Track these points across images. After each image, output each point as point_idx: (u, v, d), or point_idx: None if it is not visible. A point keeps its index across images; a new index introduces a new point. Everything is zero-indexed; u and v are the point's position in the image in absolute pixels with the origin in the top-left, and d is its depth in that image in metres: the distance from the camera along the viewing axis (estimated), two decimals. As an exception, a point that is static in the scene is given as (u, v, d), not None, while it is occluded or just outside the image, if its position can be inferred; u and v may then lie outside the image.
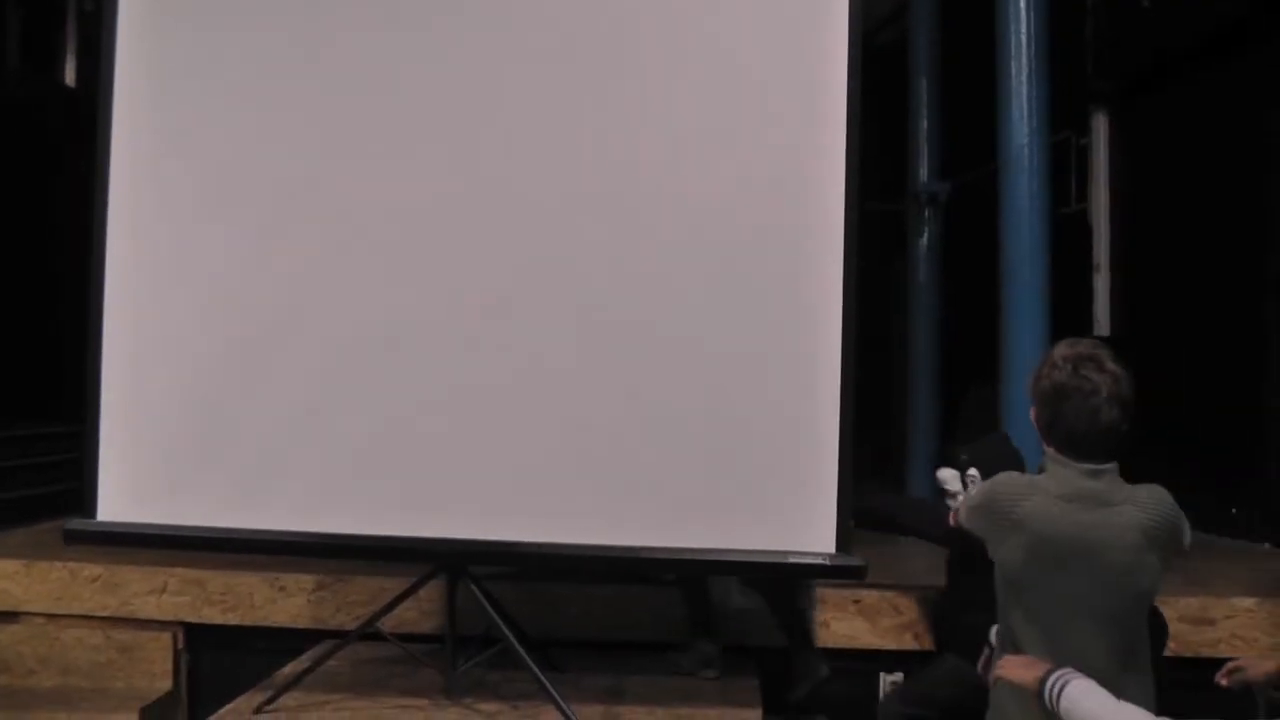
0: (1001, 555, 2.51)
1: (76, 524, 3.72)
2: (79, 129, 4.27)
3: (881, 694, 4.34)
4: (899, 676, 4.20)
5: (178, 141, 3.68)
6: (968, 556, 3.02)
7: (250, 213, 3.65)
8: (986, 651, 2.75)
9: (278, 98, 3.66)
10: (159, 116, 3.69)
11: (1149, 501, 2.50)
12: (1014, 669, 2.41)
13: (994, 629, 2.65)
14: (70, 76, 7.20)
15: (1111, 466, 2.51)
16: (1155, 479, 2.63)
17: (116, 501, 3.70)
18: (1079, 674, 2.27)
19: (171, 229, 3.68)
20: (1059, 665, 2.31)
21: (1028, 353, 5.04)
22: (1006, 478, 2.64)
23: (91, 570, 4.63)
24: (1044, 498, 2.46)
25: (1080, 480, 2.46)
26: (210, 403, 3.64)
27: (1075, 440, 2.47)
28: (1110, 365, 2.52)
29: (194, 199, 3.67)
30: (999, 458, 3.32)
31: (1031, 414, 2.58)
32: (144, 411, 3.68)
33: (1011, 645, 2.48)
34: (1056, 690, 2.25)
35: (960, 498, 3.00)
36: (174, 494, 3.65)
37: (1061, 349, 2.57)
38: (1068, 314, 6.28)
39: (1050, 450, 2.54)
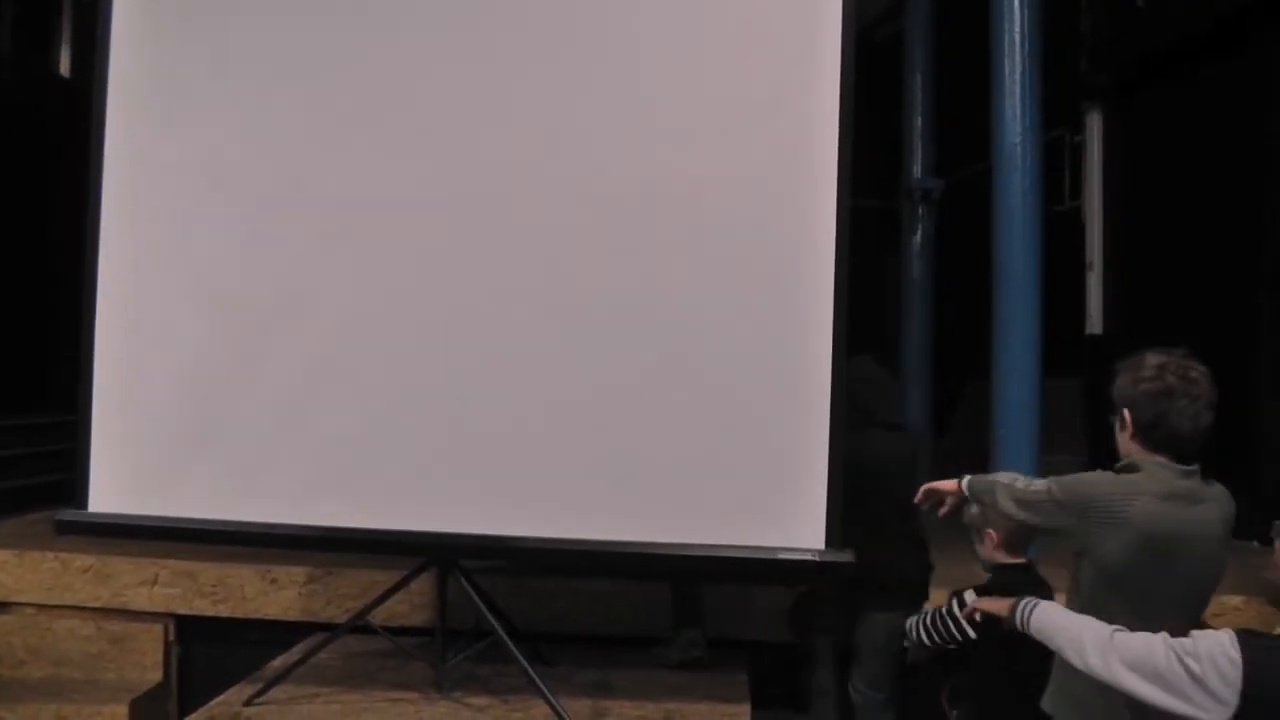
0: (1102, 552, 2.62)
1: (68, 515, 3.72)
2: (73, 119, 4.26)
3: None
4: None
5: (172, 131, 3.67)
6: None
7: (243, 203, 3.65)
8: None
9: (272, 89, 3.66)
10: (153, 106, 3.68)
11: (1223, 498, 2.69)
12: (987, 604, 2.82)
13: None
14: (65, 66, 7.19)
15: (1197, 466, 2.68)
16: None
17: (108, 493, 3.70)
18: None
19: (165, 219, 3.68)
20: None
21: (1019, 349, 5.06)
22: (1100, 479, 2.73)
23: (83, 561, 4.63)
24: (1149, 499, 2.58)
25: (1177, 480, 2.62)
26: (202, 394, 3.64)
27: (1179, 441, 2.65)
28: (1204, 372, 2.74)
29: (188, 189, 3.67)
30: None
31: (1125, 415, 2.73)
32: (136, 403, 3.68)
33: None
34: (1027, 612, 2.54)
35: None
36: (166, 485, 3.65)
37: (1157, 357, 2.76)
38: (1061, 311, 6.30)
39: (1142, 450, 2.69)
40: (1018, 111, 5.18)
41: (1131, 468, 2.72)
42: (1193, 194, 6.19)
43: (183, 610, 4.63)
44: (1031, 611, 2.53)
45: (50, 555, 4.64)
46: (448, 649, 3.80)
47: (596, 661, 4.23)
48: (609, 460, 3.47)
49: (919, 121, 7.51)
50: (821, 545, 3.39)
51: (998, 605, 2.72)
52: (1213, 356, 5.90)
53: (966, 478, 3.15)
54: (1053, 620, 2.49)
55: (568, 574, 4.51)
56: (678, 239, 3.47)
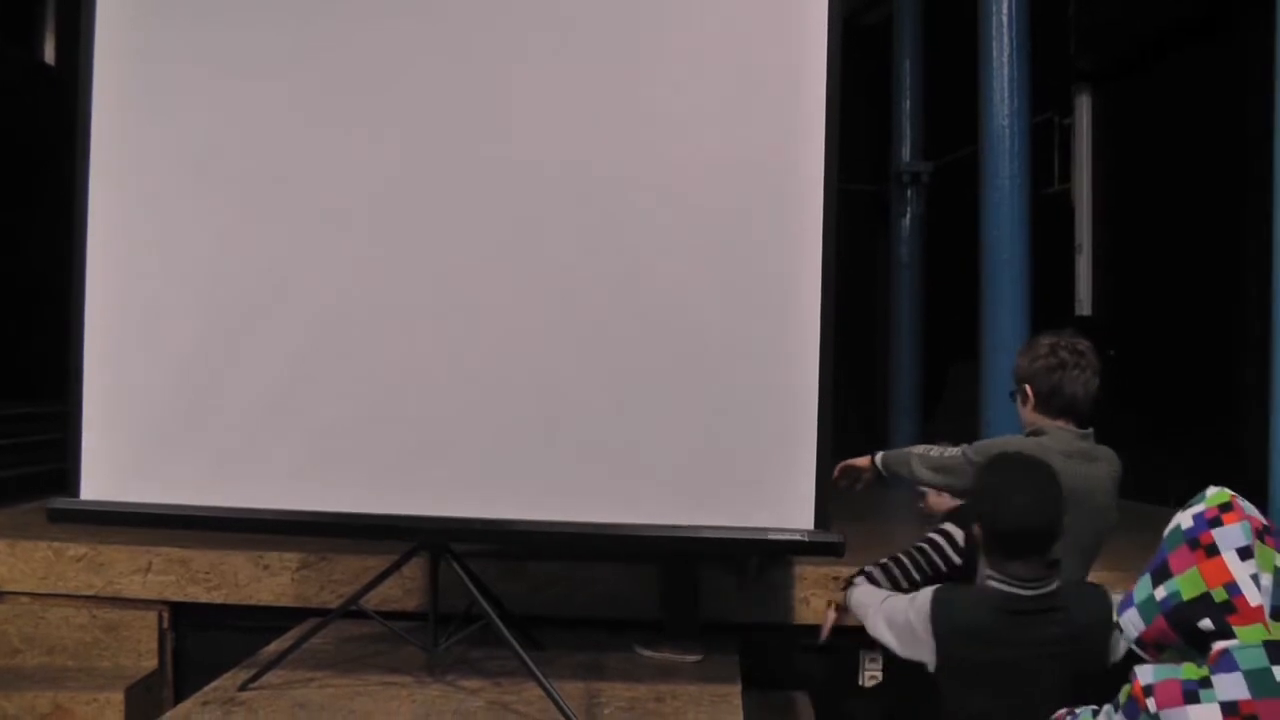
0: None
1: (60, 502, 3.72)
2: (59, 106, 4.26)
3: (862, 672, 4.32)
4: (878, 655, 4.21)
5: (159, 117, 3.66)
6: None
7: (231, 190, 3.64)
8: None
9: (258, 75, 3.64)
10: (139, 93, 3.67)
11: (1112, 458, 3.11)
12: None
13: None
14: (50, 54, 7.17)
15: (1091, 430, 3.09)
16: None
17: (100, 480, 3.69)
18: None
19: (153, 207, 3.67)
20: None
21: (1008, 331, 5.09)
22: (1011, 441, 3.13)
23: (76, 550, 4.64)
24: (1056, 456, 2.91)
25: (1076, 441, 3.05)
26: (193, 380, 3.64)
27: (1075, 405, 3.08)
28: (1089, 346, 3.15)
29: (175, 176, 3.66)
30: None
31: (1026, 389, 3.14)
32: (127, 390, 3.68)
33: None
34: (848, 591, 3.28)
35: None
36: (158, 472, 3.65)
37: (1050, 337, 3.16)
38: (1050, 294, 6.32)
39: (1044, 418, 3.10)
40: (1005, 94, 5.20)
41: (1038, 432, 3.11)
42: (1180, 176, 6.22)
43: (177, 597, 4.64)
44: (852, 593, 3.24)
45: (43, 544, 4.65)
46: (440, 633, 3.81)
47: (589, 644, 4.25)
48: (599, 442, 3.48)
49: (908, 105, 7.53)
50: (811, 525, 3.41)
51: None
52: (1199, 336, 5.98)
53: (879, 454, 3.48)
54: (860, 600, 3.16)
55: (560, 557, 4.53)
56: (666, 223, 3.48)
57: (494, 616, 3.59)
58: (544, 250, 3.52)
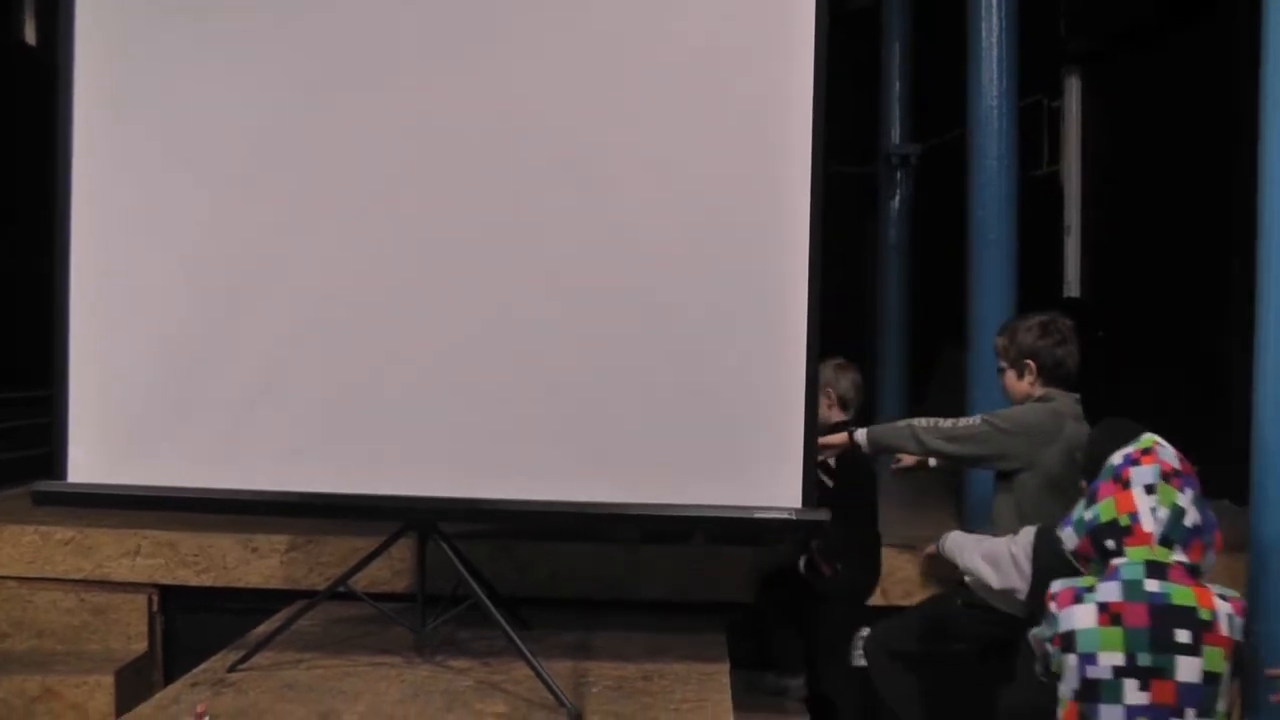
0: (1045, 465, 3.46)
1: (46, 485, 3.71)
2: (41, 88, 4.23)
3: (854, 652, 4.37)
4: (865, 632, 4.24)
5: (142, 100, 3.65)
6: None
7: (217, 170, 3.63)
8: None
9: (244, 56, 3.63)
10: (122, 76, 3.65)
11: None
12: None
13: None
14: (30, 35, 7.12)
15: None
16: None
17: (85, 463, 3.69)
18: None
19: (137, 188, 3.65)
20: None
21: (995, 313, 5.08)
22: (1033, 409, 3.58)
23: (63, 534, 4.64)
24: (1070, 420, 3.50)
25: (1077, 405, 3.57)
26: (179, 362, 3.64)
27: (1071, 375, 3.60)
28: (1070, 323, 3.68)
29: (160, 157, 3.64)
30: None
31: (1030, 364, 3.61)
32: (112, 373, 3.67)
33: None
34: (944, 542, 3.67)
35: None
36: (143, 455, 3.65)
37: (1040, 315, 3.66)
38: (1039, 275, 6.34)
39: (1045, 388, 3.59)
40: (994, 76, 5.19)
41: (1048, 399, 3.58)
42: (1169, 158, 6.23)
43: (165, 580, 4.65)
44: (945, 540, 3.63)
45: (30, 529, 4.65)
46: (428, 613, 3.82)
47: (577, 623, 4.26)
48: (586, 422, 3.48)
49: (897, 87, 7.53)
50: (798, 504, 3.41)
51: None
52: (1187, 316, 5.99)
53: (864, 431, 3.79)
54: (956, 542, 3.57)
55: (548, 537, 4.54)
56: (654, 204, 3.47)
57: (482, 596, 3.60)
58: (529, 229, 3.51)
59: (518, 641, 3.48)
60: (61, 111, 3.65)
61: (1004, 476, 3.63)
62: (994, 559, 3.29)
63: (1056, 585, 2.54)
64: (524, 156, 3.51)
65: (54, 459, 3.71)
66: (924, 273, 7.59)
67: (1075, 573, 2.70)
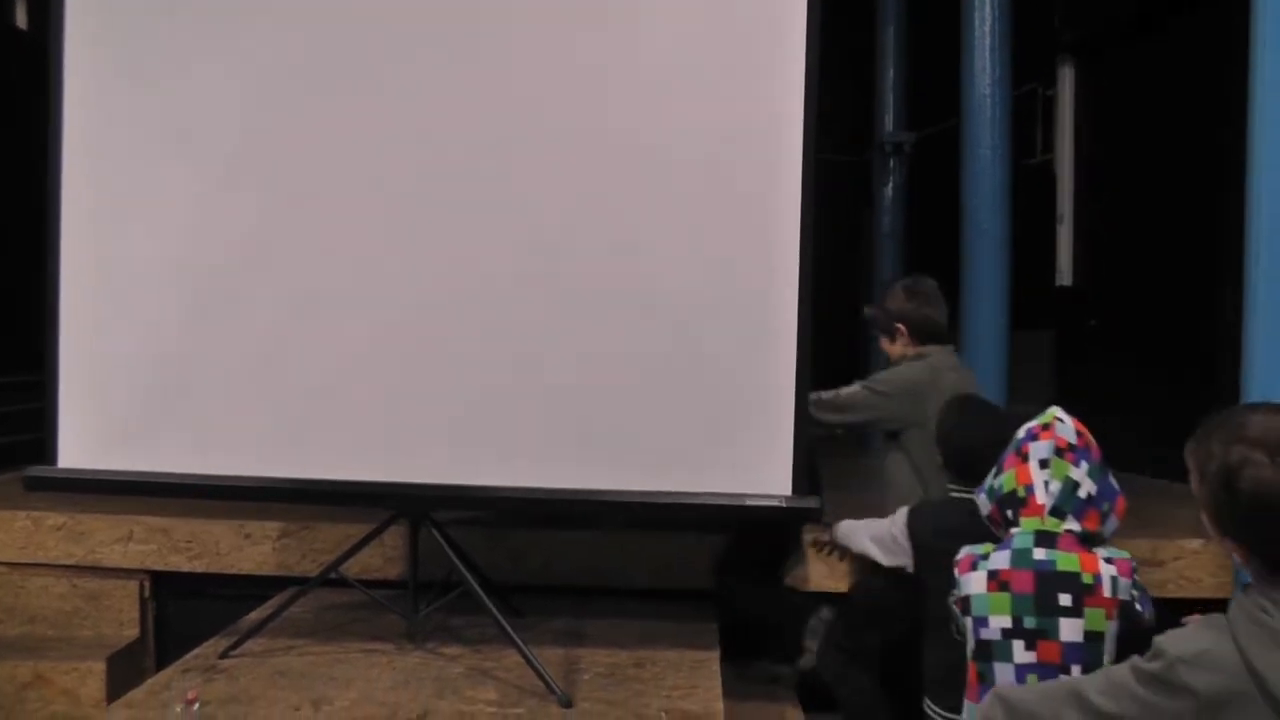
0: (928, 417, 3.54)
1: (37, 471, 3.71)
2: (32, 74, 4.21)
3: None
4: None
5: (133, 86, 3.63)
6: None
7: (208, 159, 3.62)
8: None
9: (235, 43, 3.62)
10: (113, 61, 3.64)
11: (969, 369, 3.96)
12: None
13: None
14: (22, 19, 7.08)
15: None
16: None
17: (77, 448, 3.69)
18: None
19: (129, 176, 3.65)
20: None
21: (987, 301, 5.12)
22: (910, 368, 3.79)
23: (55, 519, 4.64)
24: (946, 372, 3.75)
25: (953, 357, 3.86)
26: (170, 348, 3.63)
27: (943, 331, 3.89)
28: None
29: (151, 145, 3.63)
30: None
31: (901, 327, 3.87)
32: (103, 358, 3.67)
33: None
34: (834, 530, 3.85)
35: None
36: (135, 440, 3.65)
37: (905, 280, 3.97)
38: (1032, 263, 6.34)
39: (920, 346, 3.84)
40: (987, 64, 5.21)
41: (922, 356, 3.80)
42: (1163, 147, 6.23)
43: (158, 566, 4.64)
44: (837, 529, 3.75)
45: (22, 514, 4.64)
46: (420, 600, 3.82)
47: (569, 611, 4.27)
48: (577, 409, 3.48)
49: (891, 75, 7.52)
50: (789, 491, 3.42)
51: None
52: (1179, 305, 5.99)
53: None
54: (846, 530, 3.68)
55: (540, 524, 4.54)
56: (646, 191, 3.47)
57: (473, 584, 3.60)
58: (524, 221, 3.51)
59: (509, 629, 3.48)
60: (53, 96, 3.64)
61: (893, 436, 3.81)
62: (880, 540, 3.46)
63: (962, 551, 2.72)
64: (515, 144, 3.50)
65: (45, 444, 3.71)
66: (918, 261, 7.58)
67: (947, 545, 2.93)
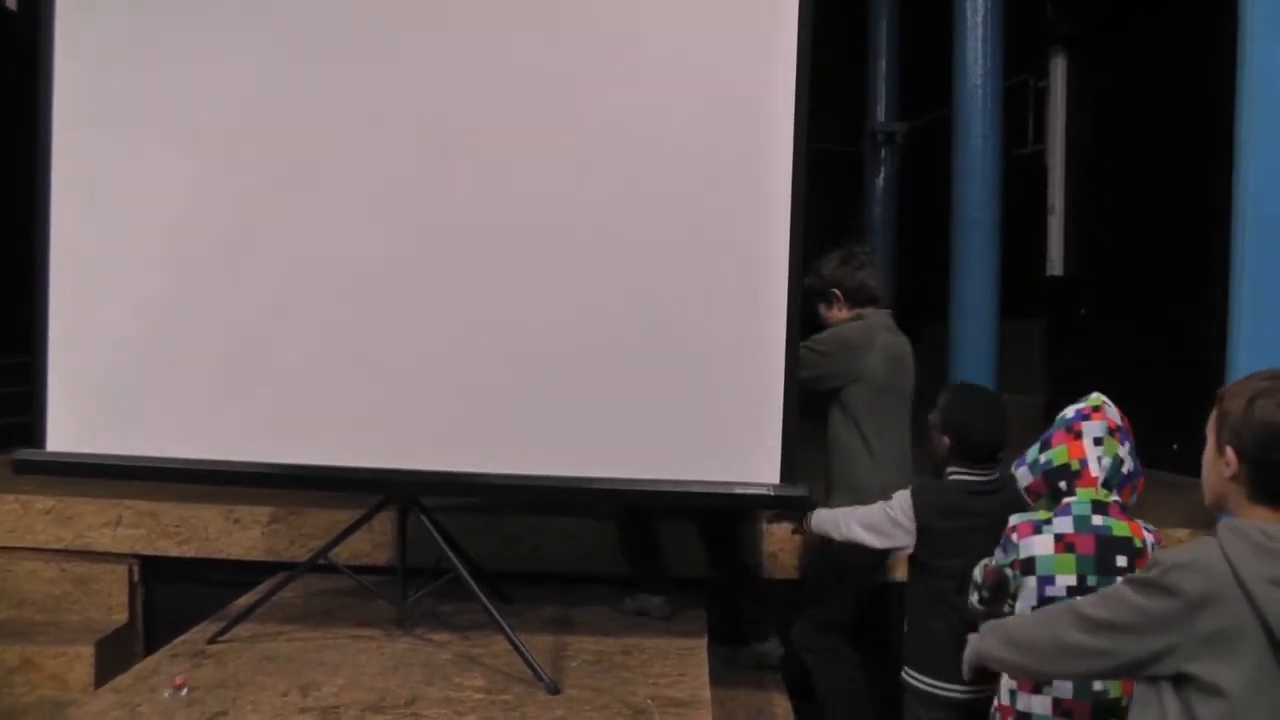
0: (869, 371, 3.80)
1: (26, 454, 3.70)
2: (21, 54, 4.19)
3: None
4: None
5: (123, 66, 3.61)
6: None
7: (199, 139, 3.60)
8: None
9: (227, 22, 3.60)
10: (103, 39, 3.62)
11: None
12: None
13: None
14: (12, 1, 7.02)
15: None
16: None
17: (66, 432, 3.68)
18: None
19: (119, 156, 3.63)
20: None
21: (977, 291, 5.13)
22: (846, 329, 3.91)
23: (44, 503, 4.63)
24: (881, 331, 3.89)
25: (889, 319, 3.96)
26: (160, 332, 3.62)
27: (876, 295, 3.97)
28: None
29: (141, 125, 3.61)
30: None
31: (836, 292, 3.96)
32: (93, 341, 3.65)
33: None
34: (809, 519, 3.68)
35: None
36: (124, 424, 3.64)
37: (840, 251, 4.01)
38: (1024, 253, 6.36)
39: (855, 308, 3.95)
40: (979, 55, 5.22)
41: (858, 318, 3.92)
42: (1152, 137, 6.25)
43: (147, 551, 4.64)
44: (811, 520, 3.65)
45: (10, 498, 4.63)
46: (409, 586, 3.83)
47: (558, 598, 4.28)
48: (566, 397, 3.48)
49: (883, 66, 7.52)
50: (777, 479, 3.42)
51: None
52: (1169, 294, 6.00)
53: None
54: (824, 519, 3.59)
55: (529, 511, 4.55)
56: (634, 176, 3.46)
57: (462, 570, 3.61)
58: (517, 205, 3.49)
59: (497, 616, 3.49)
60: (42, 78, 3.62)
61: (832, 394, 3.88)
62: (874, 526, 3.46)
63: (1015, 519, 2.89)
64: (508, 129, 3.48)
65: (34, 427, 3.69)
66: (909, 250, 7.60)
67: (948, 523, 3.31)
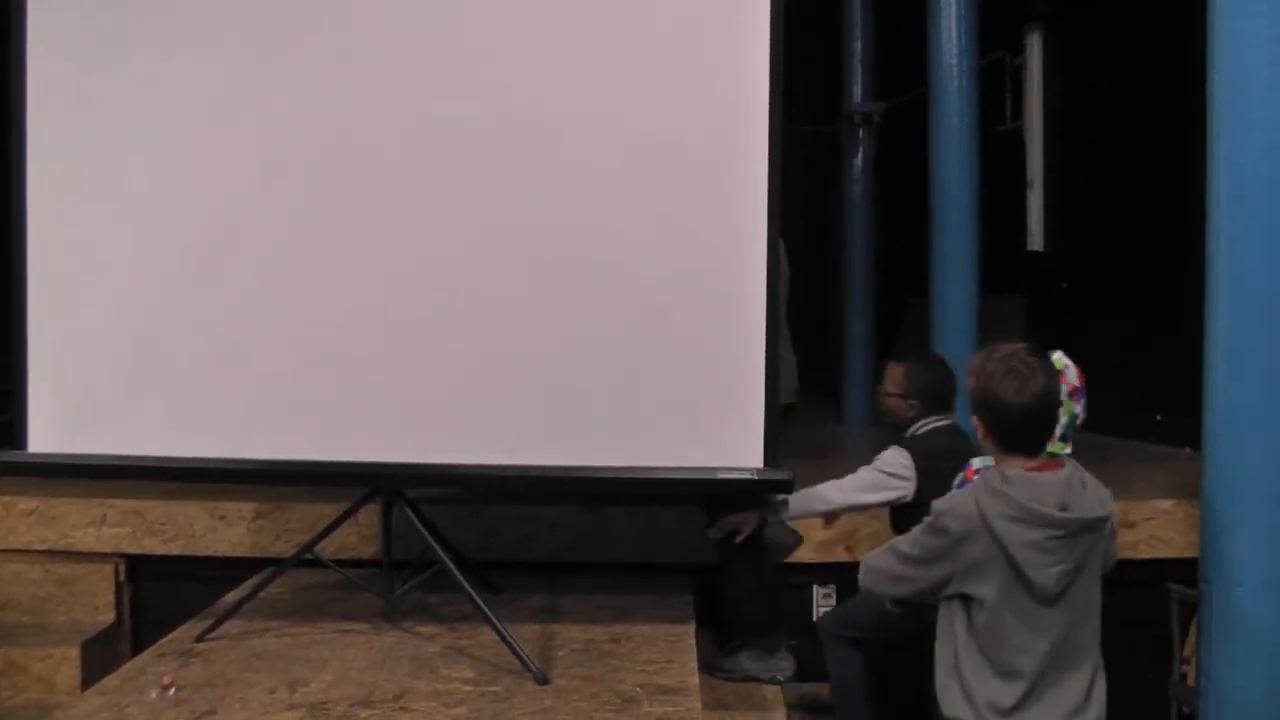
0: None
1: (6, 455, 3.69)
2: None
3: (815, 607, 4.46)
4: (831, 590, 4.29)
5: (99, 60, 3.59)
6: None
7: (177, 134, 3.58)
8: None
9: (204, 16, 3.58)
10: (79, 33, 3.60)
11: None
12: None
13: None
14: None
15: None
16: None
17: (47, 432, 3.67)
18: None
19: (96, 152, 3.61)
20: None
21: (957, 266, 5.13)
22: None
23: (27, 504, 4.61)
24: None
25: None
26: (139, 330, 3.61)
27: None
28: None
29: (118, 120, 3.59)
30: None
31: None
32: (73, 340, 3.64)
33: None
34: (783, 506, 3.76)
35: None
36: (105, 423, 3.63)
37: None
38: (1003, 229, 6.37)
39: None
40: (953, 34, 5.21)
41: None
42: (1129, 113, 6.27)
43: (133, 549, 4.63)
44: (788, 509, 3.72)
45: (-10, 499, 4.62)
46: (396, 579, 3.82)
47: (545, 588, 4.28)
48: (547, 386, 3.48)
49: (858, 45, 7.50)
50: (760, 464, 3.43)
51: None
52: (1149, 268, 6.02)
53: None
54: (798, 501, 3.67)
55: (514, 501, 4.55)
56: (608, 163, 3.45)
57: (448, 562, 3.61)
58: (490, 197, 3.49)
59: (483, 607, 3.49)
60: (15, 76, 3.60)
61: None
62: (869, 486, 3.65)
63: (977, 462, 3.14)
64: (483, 121, 3.48)
65: (14, 428, 3.68)
66: (888, 229, 7.61)
67: (940, 464, 3.50)
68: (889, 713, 3.78)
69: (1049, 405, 2.58)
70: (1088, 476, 2.61)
